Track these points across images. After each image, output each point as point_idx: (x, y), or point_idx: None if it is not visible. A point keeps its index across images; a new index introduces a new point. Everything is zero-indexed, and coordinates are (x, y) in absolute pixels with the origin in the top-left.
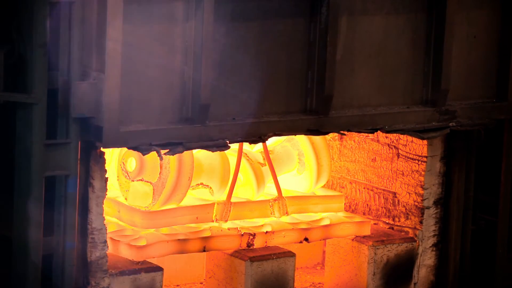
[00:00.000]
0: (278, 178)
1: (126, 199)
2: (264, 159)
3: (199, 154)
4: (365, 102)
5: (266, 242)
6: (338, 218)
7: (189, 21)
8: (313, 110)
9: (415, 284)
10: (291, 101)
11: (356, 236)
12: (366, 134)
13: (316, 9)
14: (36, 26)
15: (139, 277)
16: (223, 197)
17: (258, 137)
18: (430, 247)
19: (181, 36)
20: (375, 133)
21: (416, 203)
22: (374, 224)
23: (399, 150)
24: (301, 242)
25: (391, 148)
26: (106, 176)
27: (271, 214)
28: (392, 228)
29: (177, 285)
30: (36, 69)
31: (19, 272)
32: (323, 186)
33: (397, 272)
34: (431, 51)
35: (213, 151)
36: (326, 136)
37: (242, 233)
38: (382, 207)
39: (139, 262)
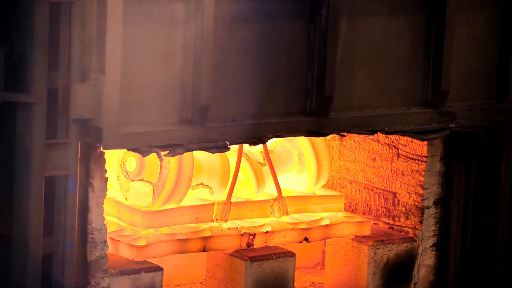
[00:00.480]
0: (278, 178)
1: (126, 199)
2: (264, 159)
3: (199, 154)
4: (365, 103)
5: (266, 242)
6: (338, 218)
7: (189, 23)
8: (313, 112)
9: (415, 284)
10: (291, 102)
11: (356, 236)
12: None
13: (316, 11)
14: (36, 26)
15: (139, 277)
16: (223, 197)
17: (258, 139)
18: (430, 247)
19: (181, 37)
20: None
21: (416, 203)
22: (374, 224)
23: (399, 150)
24: (301, 242)
25: (391, 148)
26: (106, 176)
27: (271, 214)
28: (392, 228)
29: (177, 285)
30: (36, 69)
31: (19, 272)
32: (323, 186)
33: (397, 272)
34: (431, 53)
35: (213, 153)
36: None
37: (242, 233)
38: (382, 207)
39: (139, 262)
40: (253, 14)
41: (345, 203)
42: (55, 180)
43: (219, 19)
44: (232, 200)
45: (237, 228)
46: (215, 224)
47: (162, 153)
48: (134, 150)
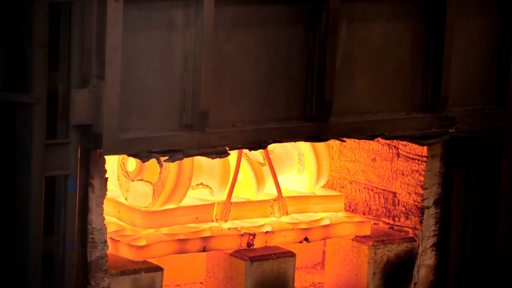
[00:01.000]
0: (278, 178)
1: (126, 199)
2: (264, 159)
3: None
4: (364, 108)
5: (266, 242)
6: (338, 218)
7: (189, 28)
8: (313, 117)
9: (415, 284)
10: (291, 107)
11: (356, 236)
12: None
13: (315, 16)
14: (36, 26)
15: (139, 277)
16: (223, 197)
17: (257, 144)
18: (430, 247)
19: (181, 42)
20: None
21: (416, 203)
22: (374, 224)
23: (399, 150)
24: (301, 242)
25: (391, 148)
26: (106, 176)
27: (271, 214)
28: (392, 228)
29: (177, 285)
30: (36, 69)
31: (19, 272)
32: (323, 186)
33: (397, 272)
34: (431, 58)
35: (212, 158)
36: None
37: (242, 233)
38: (382, 207)
39: (139, 262)
40: (252, 19)
41: (345, 203)
42: (55, 180)
43: (219, 24)
44: (232, 200)
45: (237, 228)
46: (215, 224)
47: (162, 158)
48: (134, 155)
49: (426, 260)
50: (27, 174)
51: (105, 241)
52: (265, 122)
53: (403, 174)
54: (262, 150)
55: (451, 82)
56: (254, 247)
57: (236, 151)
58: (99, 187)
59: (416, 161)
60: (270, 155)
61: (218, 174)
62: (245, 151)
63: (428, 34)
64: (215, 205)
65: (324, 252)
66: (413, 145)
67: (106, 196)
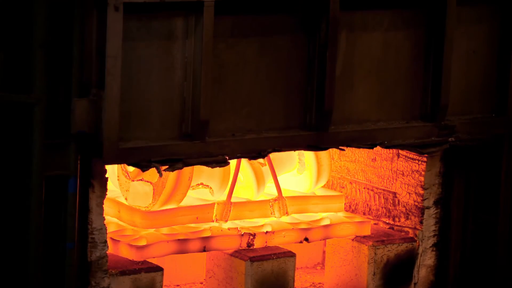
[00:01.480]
0: (278, 178)
1: (126, 199)
2: (264, 159)
3: None
4: (364, 117)
5: (266, 242)
6: (338, 218)
7: (188, 37)
8: (312, 126)
9: (415, 284)
10: (291, 116)
11: (356, 236)
12: None
13: (315, 25)
14: (36, 26)
15: (139, 277)
16: (223, 197)
17: (257, 153)
18: (430, 247)
19: (180, 52)
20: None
21: (416, 203)
22: (374, 224)
23: (399, 150)
24: (301, 242)
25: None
26: (106, 176)
27: (271, 214)
28: (392, 228)
29: (177, 285)
30: (36, 69)
31: (18, 272)
32: (323, 186)
33: (397, 272)
34: (431, 66)
35: (212, 167)
36: None
37: (242, 233)
38: (382, 207)
39: (139, 262)
40: (252, 29)
41: (345, 203)
42: (55, 180)
43: (219, 33)
44: (232, 200)
45: (237, 228)
46: (215, 224)
47: (162, 167)
48: (134, 165)
49: (426, 260)
50: (27, 174)
51: (105, 241)
52: (264, 131)
53: (403, 174)
54: None
55: (450, 90)
56: (254, 247)
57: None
58: (99, 187)
59: (416, 161)
60: (270, 155)
61: (218, 174)
62: None
63: (427, 43)
64: (215, 205)
65: (324, 252)
66: None
67: (106, 196)
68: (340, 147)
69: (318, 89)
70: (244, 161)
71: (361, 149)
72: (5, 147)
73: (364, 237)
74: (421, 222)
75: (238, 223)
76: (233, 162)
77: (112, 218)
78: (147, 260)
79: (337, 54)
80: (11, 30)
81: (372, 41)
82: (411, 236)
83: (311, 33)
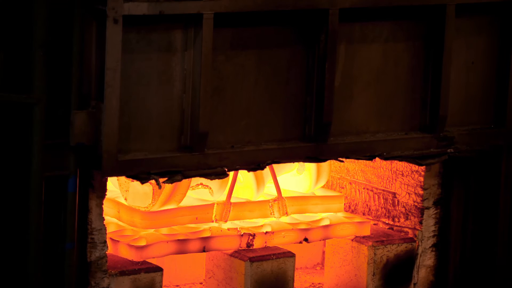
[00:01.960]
0: (278, 178)
1: (125, 199)
2: None
3: None
4: (363, 128)
5: (265, 243)
6: (338, 219)
7: (187, 50)
8: (311, 137)
9: (414, 284)
10: (290, 128)
11: (356, 237)
12: None
13: (314, 37)
14: (36, 26)
15: (138, 277)
16: (222, 197)
17: (256, 165)
18: (430, 247)
19: (179, 64)
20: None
21: (415, 204)
22: (374, 224)
23: None
24: (300, 242)
25: None
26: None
27: (271, 214)
28: (392, 229)
29: (177, 285)
30: (36, 69)
31: (18, 272)
32: (323, 187)
33: (397, 272)
34: (429, 78)
35: (211, 179)
36: None
37: (242, 234)
38: (381, 208)
39: (139, 262)
40: (251, 41)
41: (344, 204)
42: (55, 180)
43: (218, 45)
44: (232, 200)
45: (237, 228)
46: (214, 224)
47: (161, 180)
48: (133, 177)
49: (425, 261)
50: (27, 174)
51: (105, 242)
52: (263, 143)
53: (402, 174)
54: None
55: (449, 102)
56: (254, 247)
57: None
58: (99, 187)
59: None
60: None
61: None
62: None
63: (426, 54)
64: (215, 205)
65: (323, 252)
66: None
67: (106, 196)
68: (339, 158)
69: (317, 100)
70: None
71: None
72: (5, 147)
73: (364, 237)
74: (420, 223)
75: (237, 224)
76: None
77: (111, 219)
78: (147, 260)
79: (336, 65)
80: (11, 30)
81: (371, 53)
82: (411, 236)
83: (310, 45)
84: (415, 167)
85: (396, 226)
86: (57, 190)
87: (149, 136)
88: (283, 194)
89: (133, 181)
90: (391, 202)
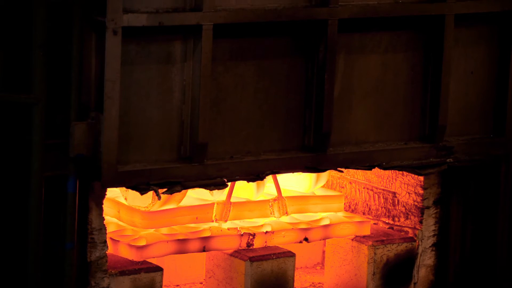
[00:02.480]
0: (278, 177)
1: (125, 199)
2: None
3: None
4: (362, 138)
5: (266, 242)
6: (338, 218)
7: (187, 61)
8: (311, 147)
9: (415, 284)
10: (289, 138)
11: (356, 236)
12: None
13: (313, 47)
14: (36, 26)
15: (139, 277)
16: (222, 197)
17: (256, 175)
18: (430, 247)
19: (179, 75)
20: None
21: (416, 203)
22: (374, 224)
23: None
24: (301, 242)
25: None
26: None
27: (271, 214)
28: (392, 228)
29: (177, 285)
30: (36, 69)
31: (18, 272)
32: (323, 186)
33: (397, 272)
34: (429, 87)
35: (211, 190)
36: None
37: (242, 233)
38: (382, 207)
39: (139, 262)
40: (250, 51)
41: (344, 203)
42: (55, 180)
43: (217, 56)
44: (232, 200)
45: (237, 228)
46: (215, 224)
47: (160, 190)
48: (133, 188)
49: (426, 260)
50: (27, 174)
51: (105, 241)
52: (263, 153)
53: (402, 174)
54: None
55: (448, 111)
56: (254, 247)
57: None
58: (98, 187)
59: None
60: None
61: None
62: None
63: (425, 64)
64: (215, 205)
65: (324, 252)
66: None
67: (106, 196)
68: (338, 168)
69: (316, 111)
70: None
71: None
72: (4, 148)
73: (364, 237)
74: (420, 222)
75: (237, 223)
76: None
77: (111, 218)
78: (147, 260)
79: (335, 76)
80: (11, 30)
81: (370, 63)
82: (411, 236)
83: (309, 55)
84: None
85: (396, 225)
86: (57, 190)
87: (149, 147)
88: (283, 194)
89: None
90: (391, 201)
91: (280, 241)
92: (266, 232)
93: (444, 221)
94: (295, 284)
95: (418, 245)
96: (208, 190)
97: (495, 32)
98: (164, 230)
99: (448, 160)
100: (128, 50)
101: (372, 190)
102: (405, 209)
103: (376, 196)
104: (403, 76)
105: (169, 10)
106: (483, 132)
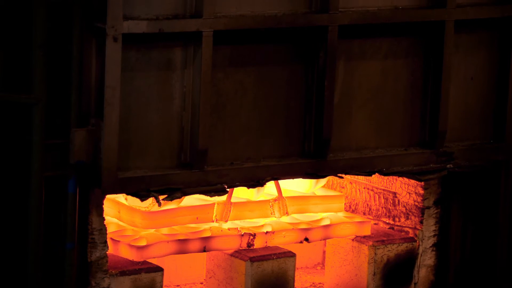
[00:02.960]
0: None
1: (126, 199)
2: None
3: None
4: (363, 144)
5: (266, 242)
6: (338, 218)
7: (187, 67)
8: (311, 153)
9: (415, 284)
10: (289, 144)
11: (356, 236)
12: None
13: (313, 53)
14: (36, 26)
15: (139, 277)
16: (223, 197)
17: (256, 182)
18: (430, 247)
19: (179, 81)
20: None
21: (416, 203)
22: (374, 224)
23: None
24: (301, 242)
25: None
26: None
27: (271, 214)
28: (392, 228)
29: (177, 285)
30: (36, 69)
31: (18, 272)
32: (323, 186)
33: (397, 272)
34: (429, 93)
35: (211, 196)
36: None
37: (242, 233)
38: (382, 207)
39: (139, 262)
40: (250, 58)
41: (345, 203)
42: (55, 180)
43: (217, 63)
44: (232, 200)
45: (237, 228)
46: (215, 224)
47: (161, 197)
48: (133, 194)
49: (426, 260)
50: (27, 174)
51: (105, 242)
52: (263, 159)
53: None
54: None
55: (448, 117)
56: (254, 247)
57: None
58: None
59: None
60: None
61: None
62: None
63: (425, 70)
64: (215, 205)
65: (324, 252)
66: None
67: (106, 196)
68: (338, 174)
69: (316, 117)
70: None
71: None
72: (4, 147)
73: (364, 237)
74: (421, 222)
75: (238, 223)
76: None
77: (112, 219)
78: (147, 260)
79: (335, 82)
80: (11, 30)
81: (370, 69)
82: (411, 236)
83: (309, 62)
84: None
85: (397, 225)
86: (57, 190)
87: (149, 153)
88: (284, 194)
89: None
90: (391, 201)
91: (281, 241)
92: (267, 232)
93: (445, 221)
94: (296, 284)
95: (419, 245)
96: None
97: (495, 37)
98: (165, 230)
99: (448, 166)
100: (128, 57)
101: (372, 190)
102: (406, 209)
103: (377, 196)
104: (403, 82)
105: (169, 17)
106: (483, 138)
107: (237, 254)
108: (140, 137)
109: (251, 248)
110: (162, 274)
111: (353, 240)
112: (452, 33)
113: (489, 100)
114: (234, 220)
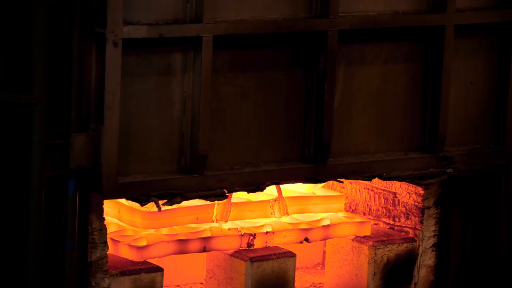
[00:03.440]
0: None
1: (126, 199)
2: None
3: None
4: (363, 149)
5: (266, 242)
6: (338, 218)
7: (187, 72)
8: (311, 158)
9: (415, 284)
10: (289, 149)
11: (356, 236)
12: None
13: (313, 58)
14: (36, 26)
15: (139, 277)
16: None
17: (256, 186)
18: (430, 247)
19: (179, 86)
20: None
21: (416, 203)
22: (374, 224)
23: None
24: (301, 242)
25: None
26: None
27: (271, 214)
28: (393, 228)
29: (177, 286)
30: (36, 69)
31: (18, 272)
32: (323, 186)
33: (398, 272)
34: (429, 98)
35: (211, 201)
36: None
37: (242, 234)
38: (382, 207)
39: (139, 262)
40: (250, 63)
41: (345, 203)
42: (55, 180)
43: (217, 68)
44: (232, 200)
45: (237, 228)
46: (215, 224)
47: (161, 202)
48: (133, 199)
49: (426, 260)
50: (27, 174)
51: (105, 242)
52: (263, 164)
53: None
54: None
55: (448, 122)
56: (254, 247)
57: None
58: None
59: None
60: None
61: None
62: None
63: (425, 74)
64: (215, 205)
65: (324, 252)
66: None
67: None
68: (338, 179)
69: (316, 121)
70: None
71: None
72: (5, 147)
73: (364, 237)
74: (421, 222)
75: (238, 223)
76: None
77: (112, 219)
78: (147, 260)
79: (335, 86)
80: (11, 30)
81: (370, 74)
82: (411, 236)
83: (309, 66)
84: None
85: (397, 226)
86: (57, 190)
87: (149, 158)
88: (284, 194)
89: None
90: (391, 202)
91: (281, 241)
92: (267, 232)
93: (445, 221)
94: (296, 284)
95: (419, 245)
96: None
97: (495, 42)
98: (165, 231)
99: (448, 170)
100: (128, 62)
101: (372, 190)
102: (406, 209)
103: (377, 197)
104: (403, 87)
105: (169, 22)
106: (483, 142)
107: (237, 254)
108: (140, 142)
109: (251, 248)
110: (162, 274)
111: (353, 240)
112: (452, 37)
113: (489, 105)
114: (234, 220)
